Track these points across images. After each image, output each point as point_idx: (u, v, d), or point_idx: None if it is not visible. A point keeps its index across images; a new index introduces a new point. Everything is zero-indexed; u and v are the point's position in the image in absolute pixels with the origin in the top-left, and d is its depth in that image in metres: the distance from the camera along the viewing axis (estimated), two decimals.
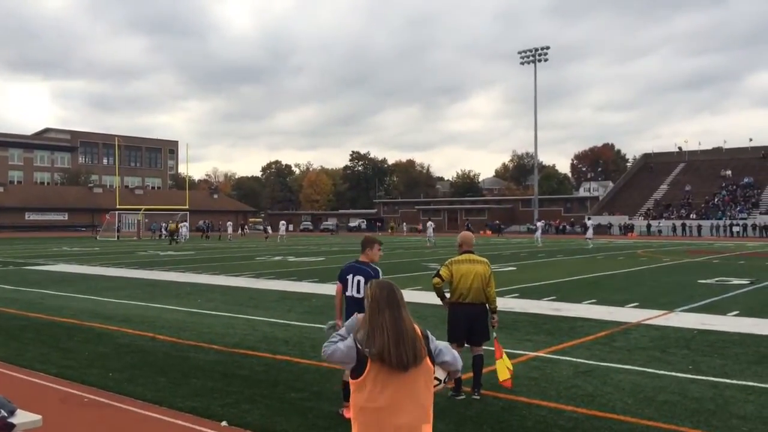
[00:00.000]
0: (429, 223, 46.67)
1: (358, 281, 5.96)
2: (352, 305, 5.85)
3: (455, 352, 3.09)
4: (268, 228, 55.16)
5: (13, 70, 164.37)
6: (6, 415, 4.06)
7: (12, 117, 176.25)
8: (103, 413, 6.15)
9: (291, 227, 78.24)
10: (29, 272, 21.90)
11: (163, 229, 58.37)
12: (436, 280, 6.84)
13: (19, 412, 4.18)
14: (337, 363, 2.93)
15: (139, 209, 63.18)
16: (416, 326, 2.94)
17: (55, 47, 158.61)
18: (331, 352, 2.92)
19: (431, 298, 8.77)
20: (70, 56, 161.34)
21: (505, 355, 6.72)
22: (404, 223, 54.25)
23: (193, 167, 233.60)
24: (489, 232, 70.47)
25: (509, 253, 33.07)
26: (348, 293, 6.01)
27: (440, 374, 3.04)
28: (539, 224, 46.01)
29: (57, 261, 27.29)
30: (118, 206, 60.04)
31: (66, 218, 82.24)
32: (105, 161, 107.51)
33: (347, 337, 2.94)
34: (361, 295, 5.82)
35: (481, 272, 6.73)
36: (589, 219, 46.03)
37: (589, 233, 40.67)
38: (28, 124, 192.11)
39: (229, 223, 59.58)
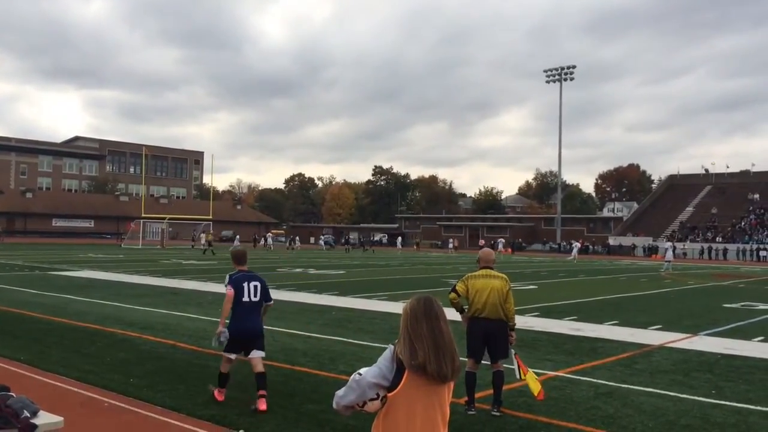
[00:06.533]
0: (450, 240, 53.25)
1: (255, 287, 6.74)
2: (248, 309, 6.68)
3: None
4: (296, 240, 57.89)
5: (48, 79, 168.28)
6: (29, 415, 4.13)
7: (44, 124, 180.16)
8: (123, 418, 6.21)
9: (312, 240, 79.03)
10: (54, 277, 22.23)
11: (270, 239, 63.84)
12: (452, 295, 6.85)
13: (41, 413, 4.25)
14: (371, 383, 2.75)
15: (164, 218, 63.90)
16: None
17: (90, 57, 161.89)
18: (365, 372, 2.81)
19: (451, 314, 8.73)
20: (105, 66, 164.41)
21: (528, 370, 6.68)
22: (452, 240, 57.96)
23: (219, 178, 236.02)
24: (510, 250, 70.06)
25: (530, 271, 32.84)
26: (245, 299, 6.65)
27: None
28: (668, 245, 42.02)
29: (82, 267, 27.68)
30: (143, 215, 60.78)
31: (92, 225, 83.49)
32: (132, 170, 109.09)
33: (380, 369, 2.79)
34: (257, 299, 6.75)
35: (497, 287, 6.71)
36: (668, 241, 42.73)
37: (669, 255, 38.56)
38: (58, 132, 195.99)
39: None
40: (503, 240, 58.02)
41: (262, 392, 6.53)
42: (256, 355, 6.71)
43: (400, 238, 67.98)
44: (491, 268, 6.93)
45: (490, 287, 6.70)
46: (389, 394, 2.75)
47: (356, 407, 2.80)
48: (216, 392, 6.80)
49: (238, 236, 65.65)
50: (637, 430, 6.13)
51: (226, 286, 6.74)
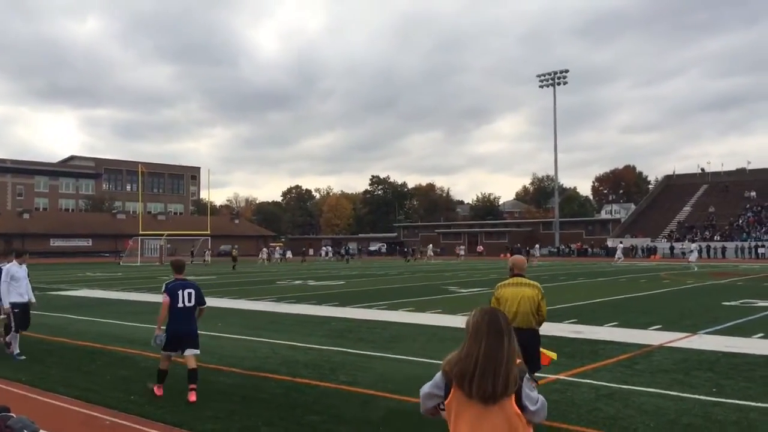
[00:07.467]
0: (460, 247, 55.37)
1: (189, 293, 7.65)
2: (183, 315, 7.58)
3: (543, 406, 2.80)
4: (288, 253, 57.76)
5: (42, 100, 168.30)
6: None
7: (39, 145, 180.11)
8: None
9: (311, 252, 79.07)
10: (53, 297, 22.17)
11: (277, 253, 66.07)
12: None
13: None
14: (427, 393, 2.80)
15: (162, 235, 63.82)
16: (519, 361, 2.73)
17: (84, 76, 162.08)
18: (424, 386, 2.86)
19: (451, 320, 8.73)
20: (100, 85, 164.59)
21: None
22: (430, 246, 61.21)
23: (216, 193, 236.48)
24: (509, 255, 70.14)
25: (530, 275, 32.77)
26: (180, 305, 7.55)
27: None
28: (693, 246, 42.92)
29: (80, 286, 27.63)
30: (140, 232, 60.72)
31: (90, 244, 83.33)
32: (128, 188, 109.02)
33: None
34: (191, 304, 7.63)
35: (528, 295, 6.55)
36: (692, 243, 44.12)
37: (693, 257, 39.00)
38: (54, 152, 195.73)
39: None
40: (539, 245, 62.01)
41: (192, 386, 7.31)
42: (190, 353, 7.56)
43: (430, 246, 68.44)
44: (522, 276, 6.79)
45: (521, 295, 6.53)
46: (446, 403, 2.77)
47: (438, 413, 2.86)
48: (155, 388, 7.52)
49: (264, 248, 65.89)
50: (638, 430, 6.14)
51: (162, 293, 7.64)
